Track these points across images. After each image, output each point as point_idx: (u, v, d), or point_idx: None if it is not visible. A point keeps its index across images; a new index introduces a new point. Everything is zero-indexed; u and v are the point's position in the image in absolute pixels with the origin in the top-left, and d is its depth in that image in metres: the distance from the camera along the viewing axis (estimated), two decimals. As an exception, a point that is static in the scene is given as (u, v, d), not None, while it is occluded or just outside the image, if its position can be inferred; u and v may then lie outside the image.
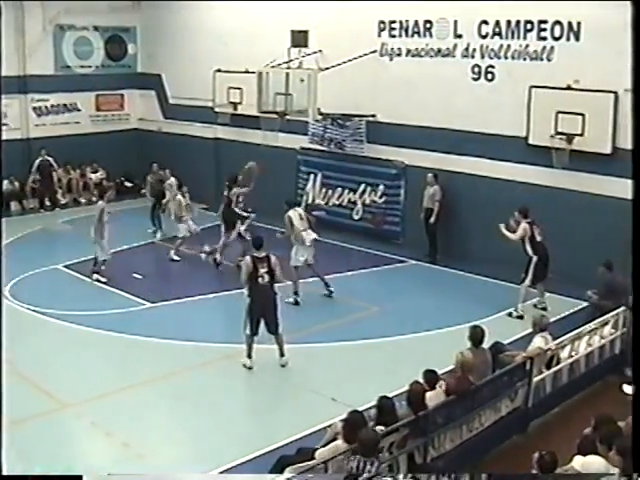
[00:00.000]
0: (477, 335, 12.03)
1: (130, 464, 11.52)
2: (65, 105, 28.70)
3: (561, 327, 14.15)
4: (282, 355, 14.70)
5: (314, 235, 18.40)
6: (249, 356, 14.63)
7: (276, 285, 14.76)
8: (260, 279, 14.36)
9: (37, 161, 26.88)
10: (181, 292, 18.73)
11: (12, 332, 15.58)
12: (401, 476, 9.21)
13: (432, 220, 20.75)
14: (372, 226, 23.25)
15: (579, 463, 8.71)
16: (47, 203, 27.21)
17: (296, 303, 17.95)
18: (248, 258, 14.71)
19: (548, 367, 12.54)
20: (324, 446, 9.77)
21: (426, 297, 18.43)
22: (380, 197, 23.05)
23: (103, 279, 19.24)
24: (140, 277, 20.02)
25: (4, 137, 26.57)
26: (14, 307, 17.58)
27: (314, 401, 13.34)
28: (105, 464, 11.76)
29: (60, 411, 13.09)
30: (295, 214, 18.40)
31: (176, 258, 21.34)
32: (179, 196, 21.61)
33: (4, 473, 7.15)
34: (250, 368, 14.56)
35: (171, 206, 21.88)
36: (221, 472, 10.91)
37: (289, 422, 12.51)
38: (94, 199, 27.90)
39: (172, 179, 22.60)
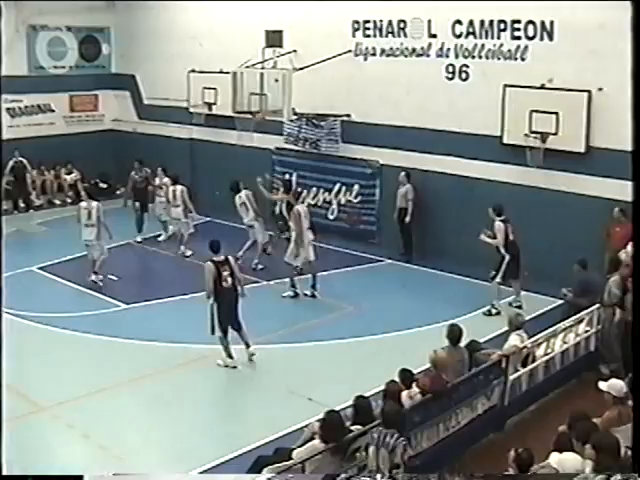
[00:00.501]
0: (455, 334, 12.07)
1: (108, 466, 11.48)
2: (39, 106, 28.55)
3: (536, 325, 14.23)
4: (248, 346, 14.97)
5: (312, 236, 18.52)
6: (230, 356, 14.73)
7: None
8: (224, 282, 14.55)
9: (10, 162, 26.53)
10: (157, 293, 18.72)
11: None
12: (379, 476, 9.23)
13: (407, 219, 20.80)
14: (347, 226, 23.28)
15: (555, 460, 8.77)
16: (21, 205, 27.02)
17: (295, 295, 18.39)
18: (210, 263, 14.67)
19: (524, 365, 12.60)
20: (301, 446, 9.79)
21: (402, 296, 18.48)
22: (355, 197, 23.08)
23: (100, 281, 19.16)
24: (116, 279, 19.95)
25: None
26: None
27: (291, 401, 13.36)
28: (82, 466, 11.71)
29: (36, 414, 13.05)
30: (303, 209, 18.43)
31: (188, 253, 21.71)
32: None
33: (4, 473, 7.12)
34: (235, 367, 14.68)
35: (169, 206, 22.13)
36: (199, 473, 10.92)
37: (266, 422, 12.51)
38: (68, 200, 28.05)
39: (166, 179, 22.75)
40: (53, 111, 28.93)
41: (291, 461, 9.37)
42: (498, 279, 17.25)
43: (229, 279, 14.62)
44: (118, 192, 27.81)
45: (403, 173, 21.18)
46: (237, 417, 12.99)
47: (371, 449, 9.32)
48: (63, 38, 28.82)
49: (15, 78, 27.12)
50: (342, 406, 11.00)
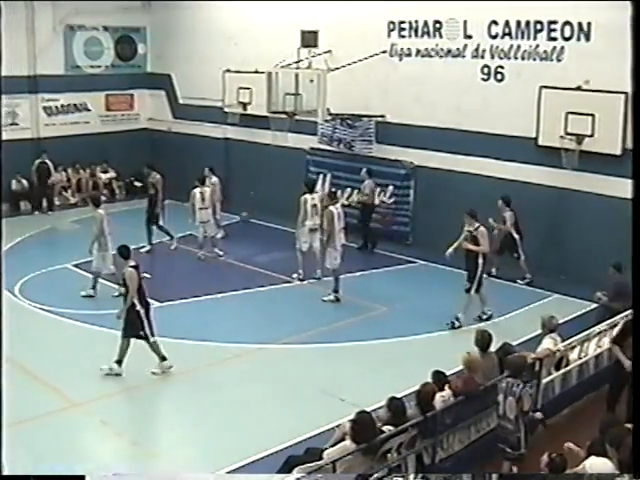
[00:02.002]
0: (484, 340, 11.98)
1: (140, 463, 11.56)
2: (75, 105, 28.76)
3: (571, 328, 14.12)
4: (164, 359, 14.45)
5: (344, 238, 18.53)
6: (163, 358, 14.44)
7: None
8: (141, 288, 14.36)
9: (35, 163, 26.86)
10: (190, 292, 18.74)
11: (22, 331, 15.74)
12: (411, 477, 9.22)
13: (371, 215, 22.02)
14: (381, 226, 23.23)
15: (587, 464, 8.71)
16: (44, 205, 27.17)
17: (337, 300, 18.23)
18: (132, 270, 14.29)
19: (557, 368, 12.52)
20: (332, 446, 9.78)
21: (435, 297, 18.40)
22: (389, 197, 23.04)
23: (92, 293, 18.36)
24: (149, 277, 20.02)
25: (15, 137, 26.74)
26: (23, 306, 17.64)
27: (322, 401, 13.35)
28: (114, 463, 11.79)
29: (70, 410, 13.12)
30: (335, 210, 18.38)
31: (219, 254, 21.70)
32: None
33: (4, 473, 7.14)
34: (118, 374, 14.24)
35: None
36: (230, 472, 10.93)
37: (297, 422, 12.51)
38: (103, 199, 28.17)
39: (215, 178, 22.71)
40: (89, 110, 29.13)
41: (322, 461, 9.36)
42: (472, 292, 16.79)
43: (143, 285, 14.42)
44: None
45: (364, 170, 22.18)
46: (268, 416, 12.96)
47: (500, 397, 10.32)
48: (99, 38, 29.01)
49: (52, 77, 27.47)
50: (374, 407, 10.97)
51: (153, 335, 14.44)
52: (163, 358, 14.42)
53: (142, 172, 24.37)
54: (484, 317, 16.88)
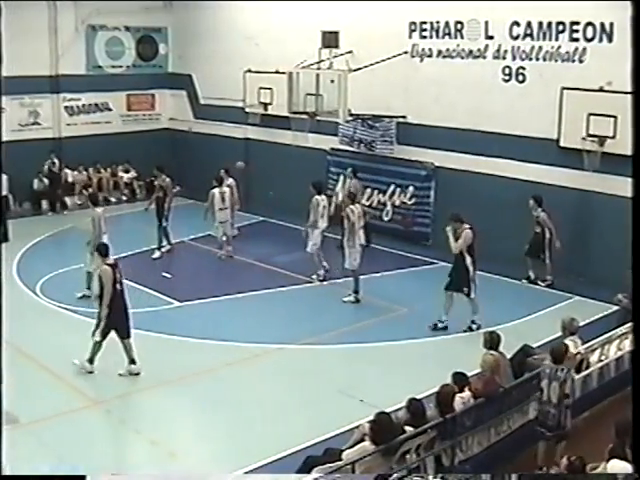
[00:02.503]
0: (493, 341, 11.95)
1: (159, 462, 11.58)
2: (97, 105, 28.85)
3: (591, 331, 14.06)
4: (134, 362, 14.32)
5: (364, 238, 18.50)
6: (91, 361, 14.27)
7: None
8: (118, 285, 14.13)
9: (46, 163, 26.74)
10: (210, 292, 18.78)
11: (42, 330, 15.82)
12: (430, 477, 9.21)
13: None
14: (402, 227, 23.21)
15: (609, 466, 8.67)
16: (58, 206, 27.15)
17: (357, 301, 18.15)
18: (107, 267, 14.09)
19: (578, 371, 12.44)
20: (352, 447, 9.77)
21: (456, 299, 18.34)
22: (410, 198, 23.02)
23: (88, 293, 17.66)
24: (169, 276, 20.10)
25: (36, 136, 26.90)
26: (44, 304, 17.73)
27: (342, 402, 13.33)
28: (133, 462, 11.84)
29: (90, 408, 13.18)
30: (355, 210, 18.36)
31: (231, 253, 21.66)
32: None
33: (4, 473, 7.15)
34: (91, 372, 14.23)
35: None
36: (249, 471, 10.94)
37: (317, 423, 12.51)
38: (124, 198, 28.39)
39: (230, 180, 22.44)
40: (110, 110, 29.23)
41: (341, 462, 9.36)
42: (472, 295, 16.59)
43: (122, 283, 14.26)
44: (173, 190, 27.94)
45: (350, 169, 22.21)
46: (287, 417, 12.97)
47: (544, 382, 10.81)
48: (121, 38, 29.11)
49: (74, 77, 27.59)
50: (393, 408, 10.96)
51: (129, 336, 14.34)
52: (132, 361, 14.31)
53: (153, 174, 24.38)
54: (474, 327, 16.53)
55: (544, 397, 10.86)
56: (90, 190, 28.15)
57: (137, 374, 14.27)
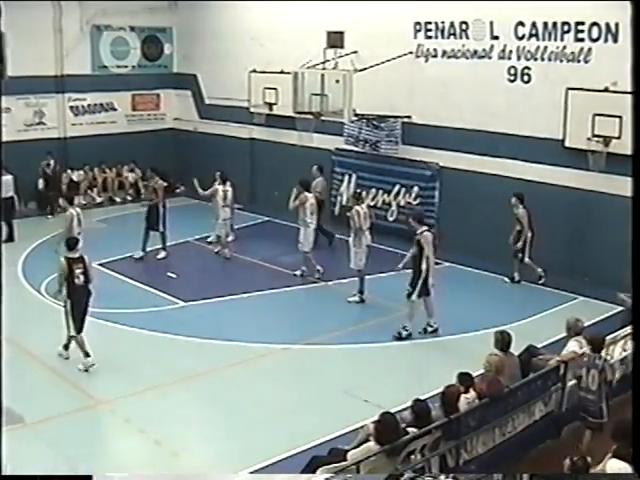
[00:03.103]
0: (504, 341, 11.94)
1: (162, 462, 11.59)
2: (102, 105, 28.88)
3: (596, 331, 14.01)
4: (88, 355, 14.55)
5: (370, 238, 18.47)
6: (87, 355, 14.51)
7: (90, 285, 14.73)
8: (76, 280, 14.38)
9: (42, 164, 26.36)
10: (214, 291, 18.79)
11: (47, 329, 15.83)
12: (442, 476, 9.22)
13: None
14: (406, 227, 23.16)
15: (608, 466, 8.66)
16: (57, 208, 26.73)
17: (362, 301, 18.12)
18: (62, 259, 14.50)
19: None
20: (356, 447, 9.77)
21: (460, 299, 18.34)
22: (415, 199, 23.02)
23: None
24: (174, 276, 20.12)
25: (41, 136, 26.92)
26: (49, 304, 17.72)
27: (346, 402, 13.34)
28: (137, 461, 11.84)
29: (94, 408, 13.20)
30: (361, 210, 18.35)
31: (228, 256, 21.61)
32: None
33: (4, 473, 7.16)
34: (92, 365, 14.47)
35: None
36: (254, 472, 10.95)
37: (321, 423, 12.52)
38: (129, 198, 28.40)
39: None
40: (115, 110, 29.27)
41: (345, 462, 9.36)
42: (413, 297, 16.29)
43: (81, 277, 14.43)
44: (178, 190, 28.02)
45: (315, 166, 22.21)
46: (292, 417, 12.97)
47: (583, 371, 11.31)
48: (126, 38, 29.14)
49: (79, 77, 27.63)
50: (398, 408, 10.96)
51: (81, 331, 14.57)
52: (87, 354, 14.49)
53: (168, 172, 24.27)
54: (429, 329, 16.47)
55: (582, 384, 11.35)
56: (95, 190, 28.34)
57: (92, 365, 14.47)
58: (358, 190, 21.52)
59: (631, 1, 7.90)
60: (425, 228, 16.23)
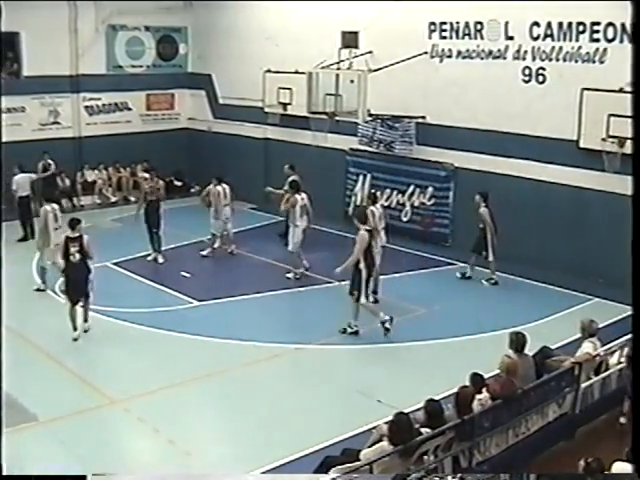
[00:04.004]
0: (519, 341, 11.90)
1: (176, 461, 11.60)
2: (116, 104, 28.98)
3: (610, 333, 14.00)
4: (86, 321, 16.13)
5: (384, 239, 18.45)
6: (75, 329, 15.82)
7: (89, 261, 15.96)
8: (71, 257, 15.67)
9: (39, 165, 25.72)
10: (228, 291, 18.80)
11: (61, 328, 15.88)
12: (449, 478, 9.19)
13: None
14: (421, 228, 23.19)
15: (614, 468, 8.63)
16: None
17: (375, 301, 17.95)
18: (63, 237, 15.99)
19: (597, 373, 12.40)
20: (370, 447, 9.76)
21: (474, 300, 18.34)
22: (429, 199, 23.00)
23: (42, 287, 18.71)
24: (188, 275, 20.14)
25: (56, 135, 27.01)
26: (63, 303, 17.77)
27: (360, 402, 13.32)
28: (151, 461, 11.87)
29: (108, 407, 13.21)
30: (376, 211, 18.32)
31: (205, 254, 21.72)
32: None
33: (4, 473, 7.19)
34: (75, 340, 15.71)
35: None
36: (266, 471, 10.94)
37: (334, 423, 12.51)
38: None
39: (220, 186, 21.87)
40: (130, 109, 29.36)
41: (359, 462, 9.35)
42: (363, 299, 16.17)
43: (77, 255, 15.65)
44: (192, 190, 28.08)
45: (287, 165, 22.40)
46: (305, 417, 12.97)
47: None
48: (141, 38, 29.22)
49: (94, 77, 27.72)
50: (412, 409, 10.94)
51: (75, 303, 16.01)
52: (75, 328, 15.85)
53: (182, 171, 24.33)
54: (349, 330, 16.32)
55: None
56: (110, 189, 28.43)
57: (86, 331, 16.07)
58: (373, 190, 21.48)
59: (631, 1, 7.88)
60: (365, 228, 16.12)
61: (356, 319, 16.28)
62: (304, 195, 19.95)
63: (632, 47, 7.47)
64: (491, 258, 19.40)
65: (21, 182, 23.49)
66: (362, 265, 15.89)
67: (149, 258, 21.04)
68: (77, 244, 15.64)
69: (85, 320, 16.11)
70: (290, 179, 21.61)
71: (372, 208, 18.24)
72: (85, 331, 16.01)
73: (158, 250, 21.19)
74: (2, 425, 7.34)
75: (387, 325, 16.07)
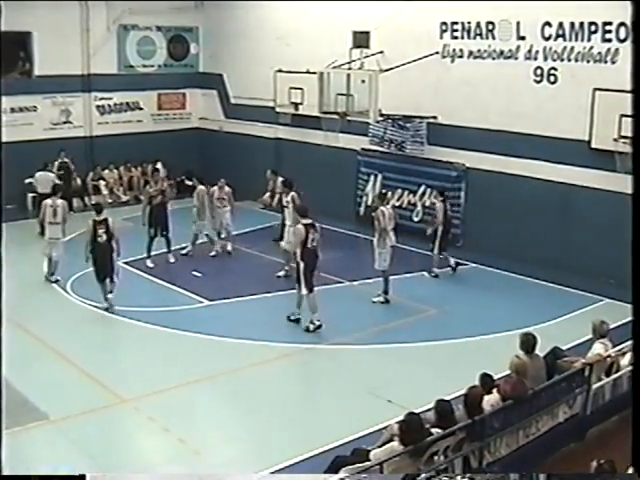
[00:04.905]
0: (529, 342, 11.86)
1: (186, 460, 11.61)
2: (128, 104, 29.04)
3: (622, 334, 13.93)
4: (111, 292, 17.45)
5: (395, 239, 18.42)
6: (106, 299, 17.33)
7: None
8: (99, 238, 17.31)
9: (56, 163, 25.97)
10: (238, 291, 18.81)
11: (72, 327, 15.92)
12: (459, 478, 9.17)
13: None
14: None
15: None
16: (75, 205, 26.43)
17: (386, 301, 18.10)
18: (90, 222, 17.57)
19: (608, 374, 12.36)
20: (380, 447, 9.75)
21: (485, 300, 18.32)
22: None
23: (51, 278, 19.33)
24: (199, 275, 20.15)
25: (68, 135, 27.07)
26: (75, 302, 17.85)
27: (370, 402, 13.32)
28: (160, 460, 11.88)
29: (118, 405, 13.23)
30: (386, 211, 18.31)
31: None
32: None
33: (4, 473, 7.19)
34: (107, 309, 17.25)
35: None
36: (276, 471, 10.94)
37: (345, 423, 12.49)
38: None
39: (227, 188, 21.86)
40: (141, 109, 29.42)
41: (369, 462, 9.34)
42: (304, 290, 16.51)
43: (104, 236, 17.35)
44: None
45: (269, 170, 23.03)
46: (315, 416, 12.98)
47: None
48: (152, 37, 29.27)
49: (105, 76, 27.77)
50: (422, 409, 10.92)
51: (104, 280, 17.55)
52: (109, 293, 17.47)
53: (193, 171, 24.17)
54: (311, 327, 16.45)
55: None
56: (121, 189, 28.48)
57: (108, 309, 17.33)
58: (383, 190, 21.45)
59: (631, 1, 7.86)
60: (303, 222, 16.40)
61: (299, 307, 16.73)
62: (295, 194, 19.83)
63: (632, 47, 7.45)
64: (436, 251, 19.81)
65: (40, 179, 24.21)
66: (299, 258, 16.23)
67: (149, 263, 20.80)
68: (104, 226, 17.39)
69: (110, 291, 17.37)
70: (281, 179, 21.55)
71: (382, 208, 18.22)
72: (108, 308, 17.23)
73: (168, 250, 21.21)
74: (2, 425, 7.35)
75: (316, 323, 16.38)
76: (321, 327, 16.39)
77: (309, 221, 16.43)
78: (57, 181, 24.12)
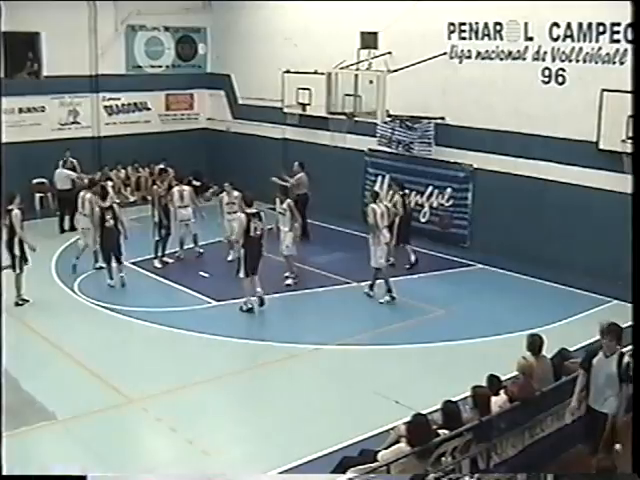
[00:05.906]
0: (535, 344, 11.84)
1: (193, 461, 11.62)
2: (135, 104, 29.05)
3: (629, 335, 13.92)
4: (120, 271, 19.04)
5: (389, 236, 18.41)
6: (111, 277, 18.85)
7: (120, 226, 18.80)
8: (106, 223, 18.62)
9: (61, 163, 25.47)
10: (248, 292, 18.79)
11: (80, 327, 15.95)
12: (466, 478, 9.18)
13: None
14: (439, 229, 23.14)
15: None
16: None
17: (392, 299, 18.15)
18: (97, 209, 18.93)
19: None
20: (387, 448, 9.75)
21: (493, 301, 18.29)
22: (448, 200, 22.93)
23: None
24: (207, 275, 20.16)
25: (76, 135, 27.10)
26: (82, 302, 17.87)
27: (377, 403, 13.31)
28: (168, 460, 11.89)
29: (126, 406, 13.25)
30: (377, 208, 18.29)
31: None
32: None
33: (4, 473, 7.21)
34: (113, 287, 18.74)
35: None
36: (284, 472, 10.96)
37: (352, 423, 12.49)
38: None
39: (236, 192, 21.23)
40: (149, 109, 29.43)
41: (376, 463, 9.34)
42: (242, 274, 17.27)
43: (111, 221, 18.66)
44: (211, 190, 28.07)
45: (297, 162, 22.97)
46: (323, 417, 12.97)
47: None
48: (160, 38, 29.29)
49: (113, 77, 27.80)
50: (429, 410, 10.92)
51: (110, 263, 19.03)
52: (111, 277, 18.82)
53: (201, 171, 24.31)
54: (244, 308, 17.39)
55: None
56: (129, 189, 28.50)
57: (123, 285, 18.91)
58: (375, 189, 21.46)
59: (631, 1, 7.87)
60: (246, 211, 17.20)
61: (248, 296, 17.40)
62: (289, 200, 19.76)
63: (632, 47, 7.46)
64: (393, 242, 19.59)
65: (59, 176, 24.71)
66: (241, 245, 17.14)
67: (157, 264, 20.77)
68: (110, 212, 18.72)
69: (120, 271, 18.95)
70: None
71: (372, 206, 18.21)
72: (123, 285, 18.87)
73: (155, 256, 21.03)
74: (2, 425, 7.36)
75: (249, 306, 17.35)
76: (252, 310, 17.32)
77: (254, 210, 17.16)
78: (74, 177, 24.37)
